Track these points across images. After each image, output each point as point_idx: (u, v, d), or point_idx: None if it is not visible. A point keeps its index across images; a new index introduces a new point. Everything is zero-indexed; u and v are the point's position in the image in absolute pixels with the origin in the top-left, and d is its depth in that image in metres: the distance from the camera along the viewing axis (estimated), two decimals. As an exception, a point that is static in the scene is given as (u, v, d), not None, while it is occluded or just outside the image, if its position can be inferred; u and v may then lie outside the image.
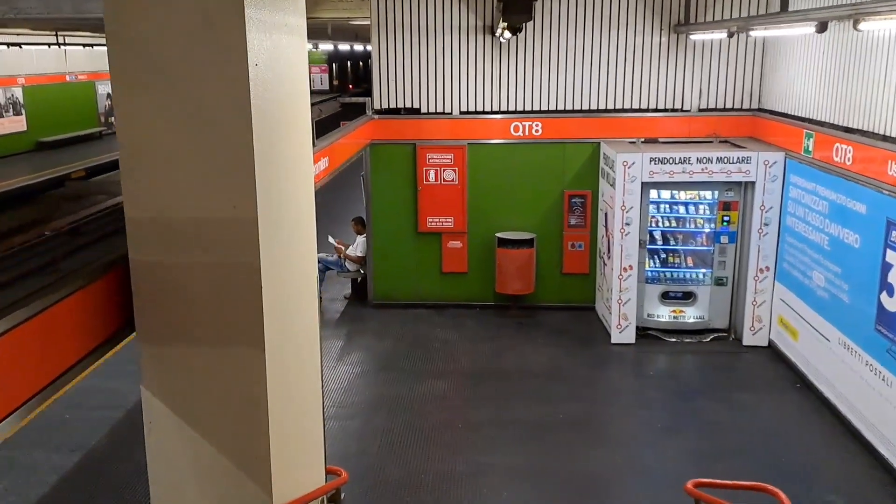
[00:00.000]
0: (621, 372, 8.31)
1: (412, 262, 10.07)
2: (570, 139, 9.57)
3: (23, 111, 16.43)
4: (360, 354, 8.74)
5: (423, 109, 9.68)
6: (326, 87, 49.57)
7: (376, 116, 9.70)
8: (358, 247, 10.38)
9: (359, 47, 21.87)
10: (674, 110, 9.49)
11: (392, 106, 9.69)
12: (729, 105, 9.44)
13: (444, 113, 9.66)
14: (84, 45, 16.39)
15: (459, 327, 9.49)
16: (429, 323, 9.65)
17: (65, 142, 16.88)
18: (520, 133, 9.57)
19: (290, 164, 2.70)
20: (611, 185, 8.82)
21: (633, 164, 8.34)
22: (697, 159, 8.31)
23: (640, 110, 9.50)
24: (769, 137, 8.86)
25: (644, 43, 9.27)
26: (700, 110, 9.47)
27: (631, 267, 8.64)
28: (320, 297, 10.05)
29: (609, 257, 9.01)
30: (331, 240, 10.55)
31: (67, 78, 19.36)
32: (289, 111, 2.61)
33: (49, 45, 14.87)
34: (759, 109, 9.32)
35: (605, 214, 9.19)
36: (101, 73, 20.27)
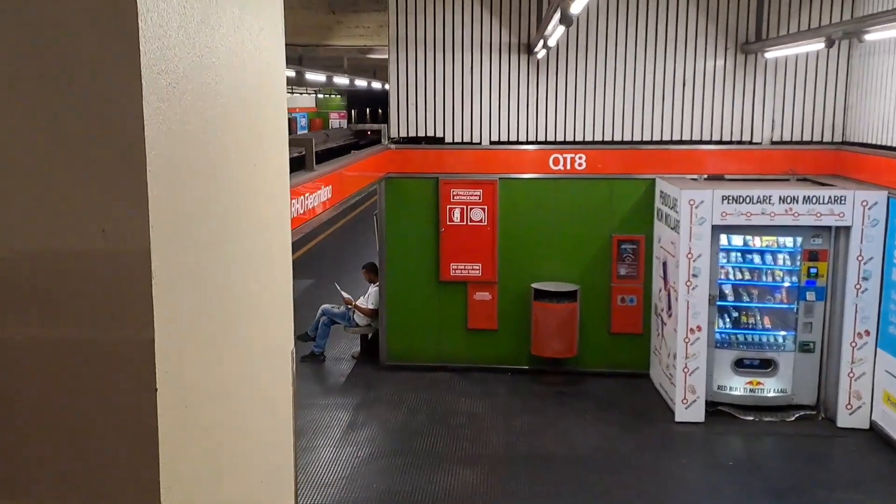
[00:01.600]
0: (691, 460, 6.98)
1: (432, 317, 8.89)
2: (620, 175, 8.46)
3: None
4: (368, 431, 7.49)
5: (448, 138, 8.66)
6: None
7: (393, 146, 8.68)
8: (369, 297, 9.25)
9: (377, 85, 21.17)
10: (741, 143, 8.38)
11: (411, 134, 8.69)
12: (807, 137, 8.31)
13: (471, 143, 8.62)
14: None
15: (488, 396, 8.24)
16: (452, 390, 8.41)
17: None
18: (560, 167, 8.48)
19: (239, 175, 1.56)
20: (671, 229, 7.66)
21: (702, 203, 7.19)
22: (780, 199, 7.15)
23: (701, 142, 8.40)
24: (860, 174, 7.69)
25: (706, 64, 8.23)
26: (773, 143, 8.35)
27: (699, 328, 7.39)
28: (323, 356, 8.89)
29: (670, 315, 7.78)
30: (338, 289, 9.44)
31: None
32: (233, 103, 1.50)
33: None
34: (844, 142, 8.18)
35: (664, 263, 7.99)
36: None
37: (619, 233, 8.52)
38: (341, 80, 17.22)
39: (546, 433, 7.34)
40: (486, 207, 8.61)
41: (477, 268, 8.71)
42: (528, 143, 8.56)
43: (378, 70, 21.53)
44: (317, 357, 9.28)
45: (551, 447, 7.06)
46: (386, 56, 8.63)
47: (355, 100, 56.13)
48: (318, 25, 12.86)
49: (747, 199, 7.15)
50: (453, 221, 8.67)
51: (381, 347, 9.04)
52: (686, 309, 7.36)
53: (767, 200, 7.13)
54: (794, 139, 8.30)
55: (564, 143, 8.51)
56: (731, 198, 7.17)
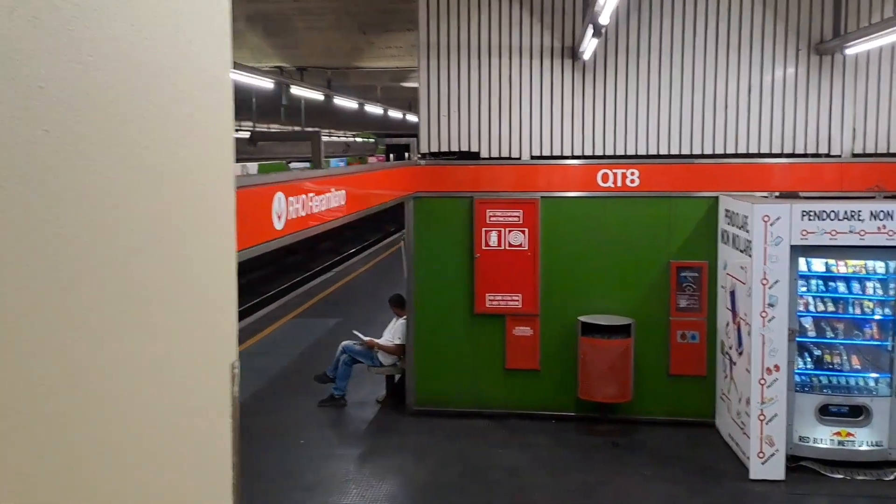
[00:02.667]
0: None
1: (466, 355, 8.19)
2: (678, 192, 7.76)
3: None
4: (388, 487, 6.75)
5: (483, 153, 8.09)
6: None
7: (423, 162, 8.14)
8: (396, 332, 8.60)
9: (414, 119, 20.94)
10: (818, 155, 7.63)
11: (443, 149, 8.14)
12: (894, 149, 7.52)
13: (509, 157, 8.04)
14: None
15: (530, 448, 7.44)
16: (487, 440, 7.64)
17: None
18: (610, 184, 7.82)
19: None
20: (741, 252, 6.89)
21: (779, 219, 6.43)
22: (872, 214, 6.35)
23: (771, 155, 7.68)
24: (964, 188, 6.86)
25: (775, 67, 7.56)
26: (854, 155, 7.59)
27: (777, 367, 6.55)
28: (343, 400, 8.23)
29: (740, 353, 6.94)
30: (357, 335, 8.79)
31: None
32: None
33: None
34: (941, 153, 7.37)
35: (732, 293, 7.19)
36: None
37: (677, 258, 7.77)
38: (374, 110, 16.92)
39: (600, 494, 6.52)
40: (526, 230, 7.97)
41: (516, 299, 8.02)
42: (573, 157, 7.95)
43: (413, 102, 21.39)
44: (336, 401, 8.62)
45: (605, 507, 6.22)
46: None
47: (395, 146, 56.82)
48: (348, 47, 12.60)
49: (832, 215, 6.37)
50: (490, 246, 8.03)
51: (407, 389, 8.34)
52: (761, 345, 6.53)
53: (856, 216, 6.35)
54: (878, 150, 7.53)
55: (614, 157, 7.87)
56: (812, 213, 6.40)
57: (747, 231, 6.71)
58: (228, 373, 1.33)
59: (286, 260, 23.40)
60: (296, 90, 11.31)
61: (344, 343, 8.86)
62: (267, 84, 9.69)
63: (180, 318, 1.19)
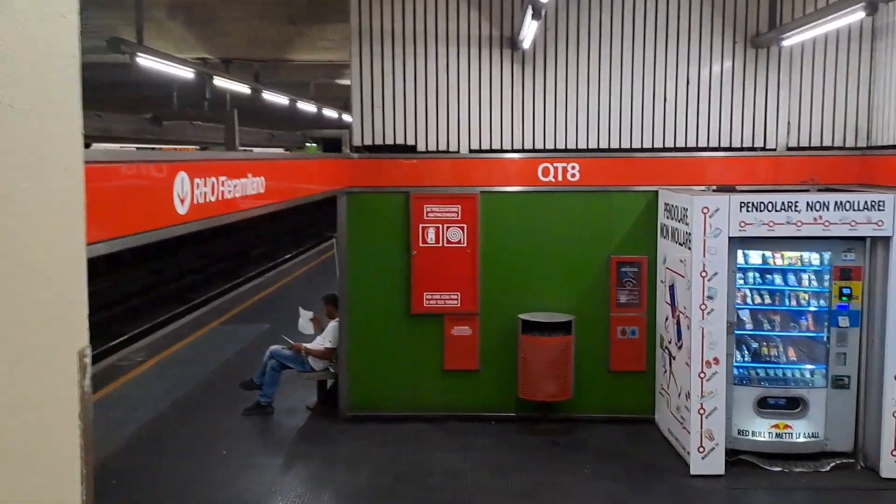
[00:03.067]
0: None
1: (402, 357, 7.98)
2: (618, 187, 7.76)
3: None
4: (318, 497, 6.48)
5: (420, 146, 7.91)
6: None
7: (355, 155, 7.90)
8: (328, 335, 8.31)
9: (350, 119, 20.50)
10: (753, 149, 7.77)
11: (377, 142, 7.92)
12: (828, 142, 7.73)
13: (447, 151, 7.89)
14: None
15: (470, 450, 7.28)
16: (425, 443, 7.44)
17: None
18: (550, 178, 7.76)
19: None
20: (681, 245, 6.92)
21: (718, 211, 6.48)
22: (808, 205, 6.47)
23: (708, 149, 7.77)
24: (893, 181, 7.07)
25: (713, 61, 7.66)
26: (789, 149, 7.75)
27: (716, 360, 6.58)
28: (270, 408, 7.89)
29: (679, 347, 6.97)
30: (286, 339, 8.47)
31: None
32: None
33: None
34: (871, 147, 7.60)
35: (671, 287, 7.22)
36: None
37: (618, 253, 7.77)
38: (307, 108, 16.48)
39: (542, 494, 6.41)
40: (465, 226, 7.82)
41: (455, 297, 7.86)
42: (513, 150, 7.86)
43: (349, 101, 20.96)
44: (263, 408, 8.27)
45: (548, 508, 6.10)
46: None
47: (331, 147, 55.64)
48: (277, 38, 12.21)
49: (770, 206, 6.46)
50: (427, 243, 7.85)
51: (340, 394, 8.07)
52: (701, 338, 6.56)
53: (793, 207, 6.45)
54: (812, 144, 7.71)
55: (555, 150, 7.82)
56: (750, 205, 6.47)
57: (687, 224, 6.74)
58: (76, 362, 1.10)
59: (215, 267, 22.61)
60: (220, 82, 10.87)
61: (272, 348, 8.52)
62: (186, 73, 9.24)
63: (14, 301, 0.98)
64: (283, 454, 7.25)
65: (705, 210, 6.51)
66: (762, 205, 6.50)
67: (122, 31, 8.36)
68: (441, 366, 7.95)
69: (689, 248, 6.65)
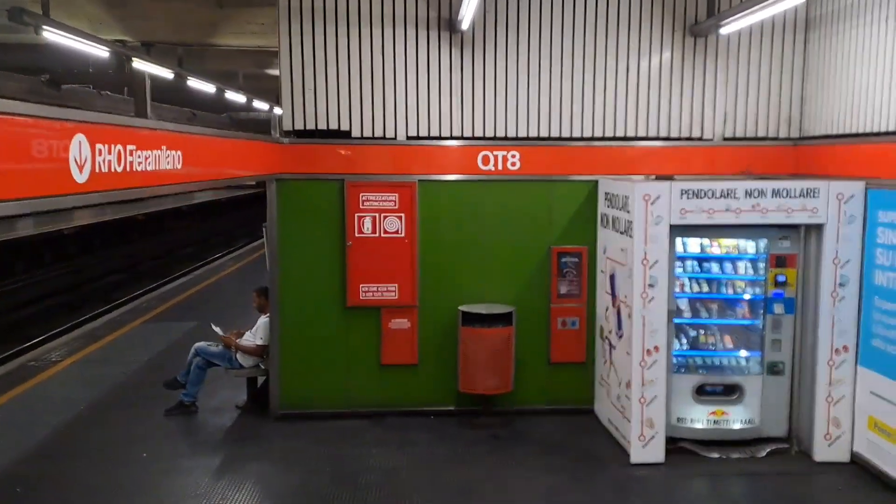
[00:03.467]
0: (659, 511, 6.03)
1: (337, 352, 7.71)
2: (558, 176, 7.70)
3: None
4: (247, 500, 6.13)
5: (355, 132, 7.66)
6: (253, 182, 47.38)
7: (286, 140, 7.57)
8: (258, 331, 7.95)
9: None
10: (691, 139, 7.83)
11: (309, 126, 7.62)
12: (763, 133, 7.86)
13: (383, 137, 7.66)
14: None
15: (408, 446, 7.08)
16: (361, 441, 7.20)
17: None
18: (490, 166, 7.63)
19: None
20: (621, 234, 6.89)
21: (659, 198, 6.46)
22: (746, 192, 6.52)
23: (647, 138, 7.79)
24: (825, 170, 7.24)
25: (652, 49, 7.68)
26: (725, 139, 7.84)
27: (657, 349, 6.58)
28: (194, 407, 7.49)
29: (620, 336, 6.94)
30: (215, 329, 8.07)
31: None
32: None
33: None
34: (803, 137, 7.76)
35: (612, 276, 7.19)
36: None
37: (558, 244, 7.71)
38: (236, 98, 15.88)
39: (482, 490, 6.26)
40: (402, 215, 7.61)
41: (392, 289, 7.64)
42: (452, 138, 7.69)
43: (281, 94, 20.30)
44: (186, 408, 7.87)
45: (489, 504, 5.95)
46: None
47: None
48: (202, 21, 11.71)
49: (709, 194, 6.49)
50: (363, 233, 7.60)
51: (271, 392, 7.73)
52: (642, 326, 6.54)
53: (732, 194, 6.50)
54: (748, 135, 7.82)
55: (495, 138, 7.68)
56: (690, 192, 6.49)
57: (628, 211, 6.70)
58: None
59: (143, 266, 21.80)
60: (140, 65, 10.31)
61: (197, 345, 8.11)
62: (101, 52, 8.70)
63: None
64: (209, 455, 6.87)
65: (647, 197, 6.48)
66: (702, 192, 6.52)
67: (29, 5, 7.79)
68: (378, 360, 7.71)
69: (631, 237, 6.62)
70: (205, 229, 30.39)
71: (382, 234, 7.64)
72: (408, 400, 7.73)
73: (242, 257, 19.85)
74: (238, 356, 7.93)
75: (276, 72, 12.31)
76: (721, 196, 6.53)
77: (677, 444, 6.82)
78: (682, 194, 6.52)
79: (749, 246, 6.96)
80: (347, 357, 7.72)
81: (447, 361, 7.71)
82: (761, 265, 6.94)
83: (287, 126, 7.63)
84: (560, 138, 7.73)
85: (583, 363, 7.77)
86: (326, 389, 7.70)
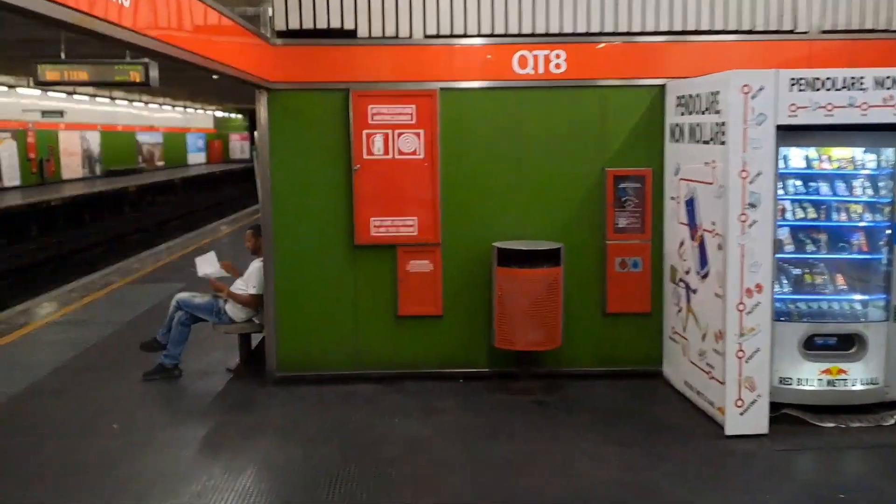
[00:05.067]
0: (773, 497, 4.41)
1: (344, 301, 6.13)
2: (615, 80, 6.03)
3: None
4: (242, 478, 4.60)
5: (362, 31, 6.01)
6: (248, 155, 46.79)
7: (278, 41, 5.92)
8: (251, 277, 6.37)
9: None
10: (780, 32, 6.11)
11: (306, 25, 5.96)
12: (870, 24, 6.14)
13: (396, 37, 6.01)
14: None
15: (433, 414, 5.53)
16: (376, 408, 5.66)
17: None
18: (529, 70, 5.97)
19: None
20: (705, 144, 5.24)
21: (762, 90, 4.80)
22: (877, 81, 4.84)
23: (727, 32, 6.09)
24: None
25: (732, -81, 5.93)
26: (823, 32, 6.12)
27: (759, 288, 4.95)
28: (178, 371, 5.98)
29: (704, 276, 5.30)
30: (202, 271, 6.49)
31: None
32: None
33: None
34: (919, 30, 6.04)
35: (690, 202, 5.54)
36: None
37: (615, 166, 6.06)
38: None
39: (535, 467, 4.69)
40: (421, 132, 5.98)
41: (410, 223, 6.03)
42: (480, 35, 6.03)
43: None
44: (168, 371, 6.34)
45: (551, 490, 4.37)
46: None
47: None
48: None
49: (828, 84, 4.80)
50: (374, 154, 5.98)
51: (267, 351, 6.16)
52: (740, 259, 4.90)
53: (857, 84, 4.81)
54: (850, 26, 6.11)
55: (534, 35, 6.03)
56: (803, 82, 4.82)
57: (717, 112, 5.04)
58: None
59: (131, 237, 20.58)
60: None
61: (178, 296, 6.54)
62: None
63: None
64: (193, 426, 5.38)
65: (746, 89, 4.81)
66: (818, 81, 4.84)
67: None
68: (394, 311, 6.13)
69: (723, 143, 4.96)
70: (193, 202, 29.33)
71: (397, 156, 6.02)
72: (430, 359, 6.16)
73: (236, 222, 18.32)
74: (227, 307, 6.35)
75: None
76: (843, 87, 4.85)
77: (781, 411, 5.21)
78: (791, 84, 4.84)
79: (869, 159, 5.30)
80: (356, 308, 6.13)
81: (478, 312, 6.12)
82: (884, 184, 5.27)
83: (280, 25, 5.98)
84: (616, 33, 6.06)
85: (647, 314, 6.16)
86: (332, 347, 6.14)
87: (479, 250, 6.06)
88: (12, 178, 25.05)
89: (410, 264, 6.10)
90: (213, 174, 37.40)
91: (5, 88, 24.33)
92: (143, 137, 36.70)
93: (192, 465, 4.73)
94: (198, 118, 45.53)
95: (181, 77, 17.91)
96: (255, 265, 6.42)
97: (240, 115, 49.69)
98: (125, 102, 33.31)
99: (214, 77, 5.22)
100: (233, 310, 6.41)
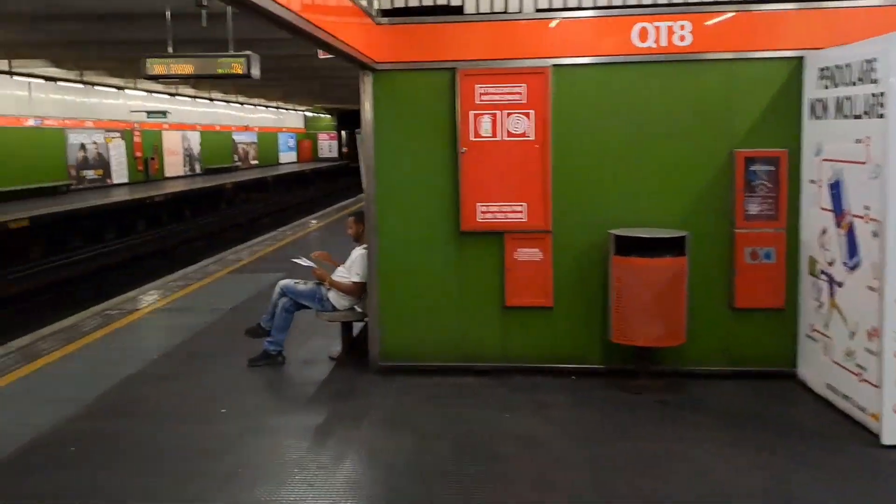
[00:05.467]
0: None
1: (449, 290, 5.86)
2: (745, 53, 5.48)
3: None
4: (352, 471, 4.41)
5: (469, 7, 5.72)
6: (336, 154, 47.74)
7: (384, 20, 5.69)
8: (354, 264, 6.19)
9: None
10: (940, -2, 5.39)
11: (412, 3, 5.71)
12: None
13: (505, 11, 5.69)
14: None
15: (544, 410, 5.18)
16: (486, 403, 5.35)
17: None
18: (650, 43, 5.51)
19: None
20: (856, 119, 4.65)
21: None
22: None
23: (877, -3, 5.43)
24: None
25: None
26: None
27: (926, 279, 4.30)
28: (281, 357, 5.86)
29: (853, 268, 4.71)
30: (302, 261, 6.38)
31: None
32: None
33: None
34: None
35: (835, 185, 4.96)
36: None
37: (745, 146, 5.52)
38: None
39: (664, 470, 4.25)
40: (532, 112, 5.62)
41: (520, 209, 5.69)
42: (596, 7, 5.60)
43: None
44: (272, 358, 6.23)
45: (686, 496, 3.93)
46: None
47: (346, 120, 53.39)
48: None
49: None
50: (481, 136, 5.67)
51: (370, 339, 5.96)
52: (904, 247, 4.27)
53: None
54: None
55: (656, 5, 5.55)
56: None
57: (874, 82, 4.44)
58: None
59: (227, 233, 21.22)
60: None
61: (282, 282, 6.43)
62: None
63: None
64: (300, 413, 5.26)
65: (914, 50, 4.19)
66: None
67: None
68: (501, 301, 5.79)
69: (881, 116, 4.36)
70: (282, 201, 30.07)
71: (506, 138, 5.69)
72: (539, 353, 5.79)
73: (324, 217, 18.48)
74: (330, 295, 6.19)
75: None
76: None
77: (941, 419, 4.55)
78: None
79: None
80: (462, 297, 5.84)
81: (592, 303, 5.70)
82: None
83: (384, 4, 5.76)
84: (747, 0, 5.50)
85: (780, 310, 5.58)
86: (436, 337, 5.87)
87: (593, 238, 5.65)
88: (121, 176, 26.36)
89: (519, 252, 5.75)
90: (303, 172, 38.33)
91: (114, 90, 25.55)
92: (238, 137, 37.94)
93: (301, 453, 4.55)
94: (289, 118, 46.72)
95: (280, 67, 18.20)
96: (358, 252, 6.23)
97: (328, 115, 50.67)
98: (223, 103, 34.47)
99: (324, 56, 5.02)
100: (335, 298, 6.25)
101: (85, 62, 21.31)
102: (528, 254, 5.74)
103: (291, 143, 47.47)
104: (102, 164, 25.21)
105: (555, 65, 5.62)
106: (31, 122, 21.78)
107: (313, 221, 13.47)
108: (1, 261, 15.30)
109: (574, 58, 5.64)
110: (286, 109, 44.17)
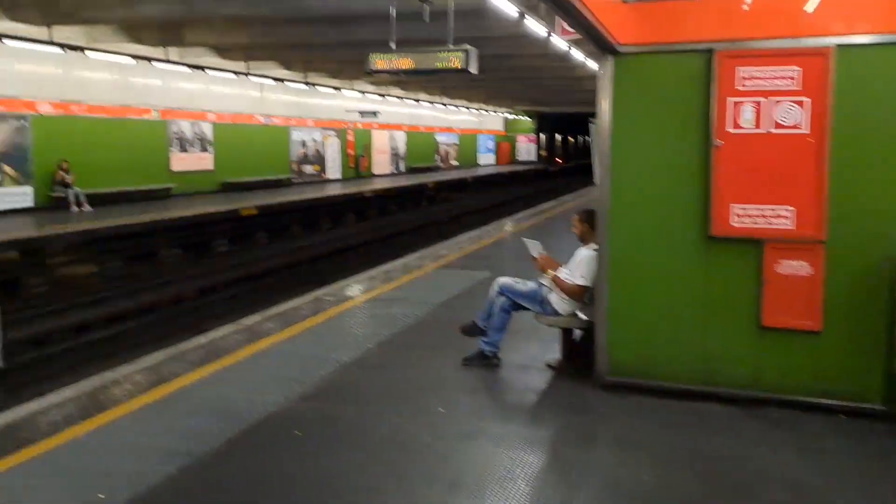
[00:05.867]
0: None
1: (693, 302, 5.15)
2: None
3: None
4: (588, 495, 3.94)
5: (735, -21, 4.94)
6: (534, 157, 47.76)
7: (632, -1, 5.11)
8: (580, 265, 5.69)
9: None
10: None
11: (665, -21, 5.08)
12: None
13: (783, -20, 4.83)
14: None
15: (812, 454, 4.36)
16: (733, 435, 4.63)
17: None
18: (975, 12, 4.38)
19: None
20: None
21: None
22: None
23: None
24: None
25: None
26: None
27: None
28: (497, 359, 5.52)
29: None
30: (532, 250, 5.98)
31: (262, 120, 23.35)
32: None
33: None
34: None
35: None
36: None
37: None
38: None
39: None
40: (806, 101, 4.76)
41: (785, 214, 4.85)
42: (900, -28, 4.58)
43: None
44: (487, 360, 5.92)
45: None
46: None
47: (545, 125, 52.84)
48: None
49: None
50: (741, 128, 4.91)
51: (598, 350, 5.42)
52: None
53: None
54: None
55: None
56: None
57: None
58: None
59: (428, 229, 21.77)
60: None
61: (501, 280, 6.08)
62: None
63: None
64: (523, 423, 4.87)
65: None
66: None
67: None
68: (757, 320, 4.98)
69: None
70: (479, 202, 30.29)
71: (771, 130, 4.87)
72: (802, 384, 4.91)
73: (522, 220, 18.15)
74: (552, 298, 5.74)
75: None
76: None
77: None
78: None
79: None
80: (707, 312, 5.11)
81: (871, 330, 4.73)
82: None
83: (630, -20, 5.17)
84: None
85: None
86: (675, 355, 5.19)
87: (879, 252, 4.67)
88: (334, 172, 28.12)
89: (782, 264, 4.90)
90: (502, 175, 38.49)
91: (332, 91, 27.24)
92: (440, 138, 39.01)
93: (525, 468, 4.14)
94: (489, 120, 47.26)
95: (488, 68, 18.14)
96: (585, 253, 5.71)
97: (528, 118, 50.52)
98: (428, 105, 35.58)
99: (565, 36, 4.56)
100: (557, 301, 5.78)
101: (310, 64, 22.88)
102: (793, 266, 4.88)
103: (490, 144, 48.02)
104: (319, 160, 27.02)
105: (839, 44, 4.71)
106: (262, 120, 23.82)
107: (507, 227, 13.05)
108: (233, 243, 16.93)
109: (863, 36, 4.68)
110: (486, 111, 44.70)
